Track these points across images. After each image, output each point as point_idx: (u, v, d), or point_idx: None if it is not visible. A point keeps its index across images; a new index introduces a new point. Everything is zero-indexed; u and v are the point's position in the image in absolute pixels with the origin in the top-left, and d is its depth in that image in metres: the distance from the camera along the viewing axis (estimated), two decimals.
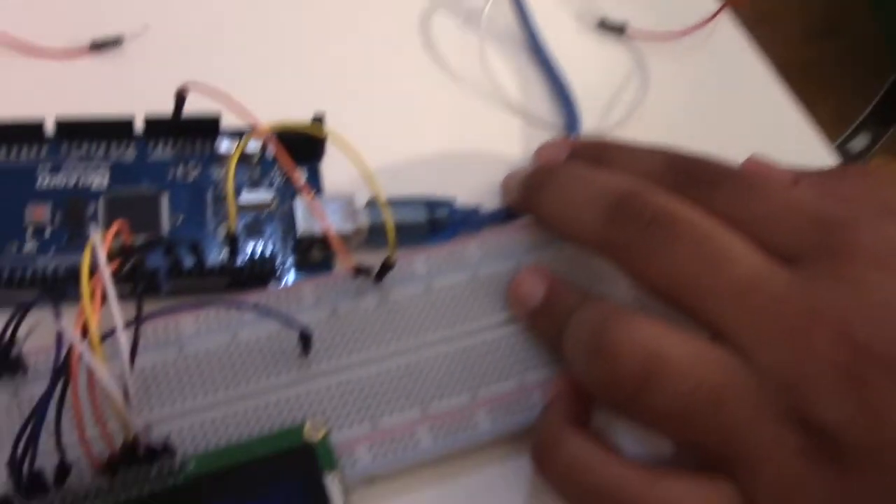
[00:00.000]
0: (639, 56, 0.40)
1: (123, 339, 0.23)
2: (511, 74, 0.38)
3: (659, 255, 0.26)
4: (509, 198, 0.33)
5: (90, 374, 0.23)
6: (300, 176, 0.28)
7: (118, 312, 0.23)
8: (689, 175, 0.28)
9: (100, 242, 0.23)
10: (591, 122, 0.37)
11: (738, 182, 0.27)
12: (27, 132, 0.31)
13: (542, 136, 0.36)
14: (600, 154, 0.31)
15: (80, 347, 0.22)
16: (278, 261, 0.31)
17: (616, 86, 0.39)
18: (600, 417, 0.29)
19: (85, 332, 0.23)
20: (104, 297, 0.23)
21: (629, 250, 0.27)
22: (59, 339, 0.23)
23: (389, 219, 0.28)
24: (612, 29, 0.40)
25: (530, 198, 0.31)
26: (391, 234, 0.28)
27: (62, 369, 0.23)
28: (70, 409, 0.24)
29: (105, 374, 0.22)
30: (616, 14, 0.41)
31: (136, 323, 0.24)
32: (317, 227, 0.30)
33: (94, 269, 0.23)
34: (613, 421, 0.30)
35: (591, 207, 0.28)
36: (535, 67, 0.38)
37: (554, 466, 0.27)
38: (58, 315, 0.23)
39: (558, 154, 0.33)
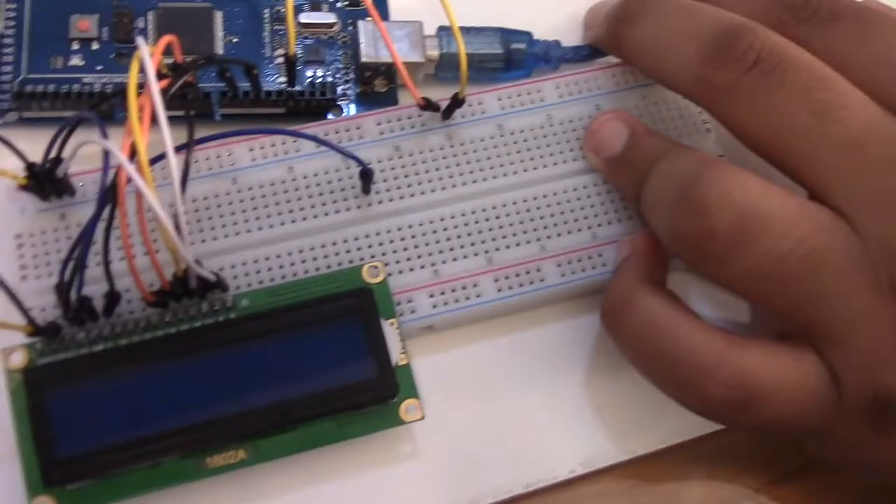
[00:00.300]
0: None
1: (174, 162, 0.21)
2: None
3: (762, 102, 0.24)
4: (592, 33, 0.30)
5: (139, 199, 0.22)
6: None
7: (168, 133, 0.21)
8: (801, 8, 0.25)
9: (148, 56, 0.21)
10: None
11: (858, 18, 0.24)
12: None
13: None
14: None
15: (128, 168, 0.20)
16: (339, 90, 0.28)
17: None
18: (674, 280, 0.27)
19: (132, 153, 0.21)
20: (153, 118, 0.21)
21: (728, 94, 0.24)
22: (106, 158, 0.21)
23: (462, 48, 0.25)
24: None
25: (618, 32, 0.27)
26: (464, 66, 0.26)
27: (109, 191, 0.21)
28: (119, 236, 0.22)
29: (153, 197, 0.20)
30: None
31: (188, 147, 0.22)
32: (382, 55, 0.28)
33: (141, 87, 0.21)
34: (688, 285, 0.28)
35: (688, 44, 0.25)
36: None
37: (626, 325, 0.25)
38: (104, 134, 0.21)
39: None
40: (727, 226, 0.23)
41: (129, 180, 0.20)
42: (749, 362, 0.23)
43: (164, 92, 0.22)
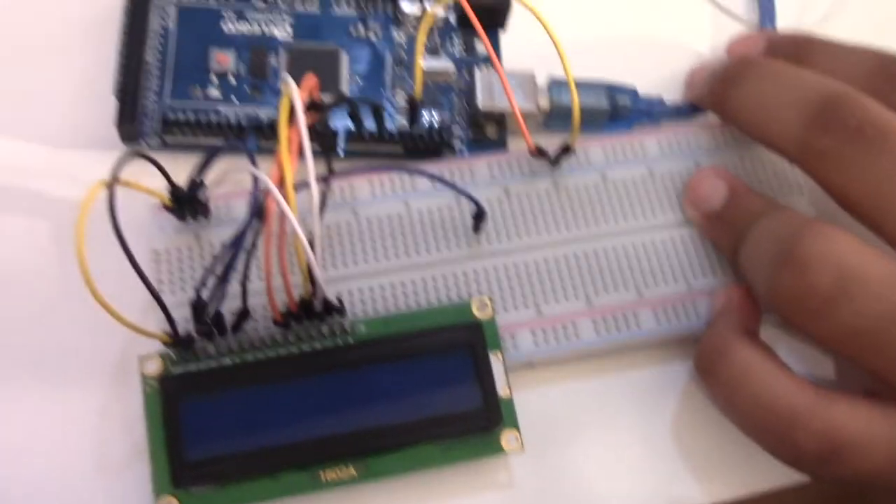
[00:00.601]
0: None
1: (315, 190, 0.23)
2: None
3: (863, 168, 0.25)
4: (695, 91, 0.31)
5: (280, 224, 0.23)
6: (488, 43, 0.26)
7: (311, 163, 0.23)
8: None
9: (296, 93, 0.23)
10: (788, 18, 0.35)
11: None
12: None
13: (733, 29, 0.34)
14: (802, 51, 0.29)
15: (275, 194, 0.22)
16: (454, 133, 0.30)
17: None
18: (762, 334, 0.28)
19: (279, 181, 0.23)
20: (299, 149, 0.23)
21: (829, 160, 0.25)
22: (255, 184, 0.23)
23: (577, 100, 0.27)
24: None
25: (721, 92, 0.29)
26: (576, 117, 0.27)
27: (256, 214, 0.23)
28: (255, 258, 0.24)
29: (296, 221, 0.22)
30: None
31: (327, 179, 0.24)
32: (497, 103, 0.29)
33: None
34: (776, 339, 0.29)
35: (791, 108, 0.26)
36: None
37: (720, 375, 0.26)
38: (254, 162, 0.23)
39: (754, 48, 0.31)
40: (827, 284, 0.24)
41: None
42: (839, 415, 0.24)
43: (308, 127, 0.23)
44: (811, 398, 0.25)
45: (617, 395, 0.28)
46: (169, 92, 0.29)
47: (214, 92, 0.29)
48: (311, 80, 0.25)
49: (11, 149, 0.29)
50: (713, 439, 0.28)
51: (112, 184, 0.23)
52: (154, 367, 0.25)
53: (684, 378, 0.29)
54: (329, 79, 0.30)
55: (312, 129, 0.25)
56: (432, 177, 0.26)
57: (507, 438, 0.26)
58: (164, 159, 0.25)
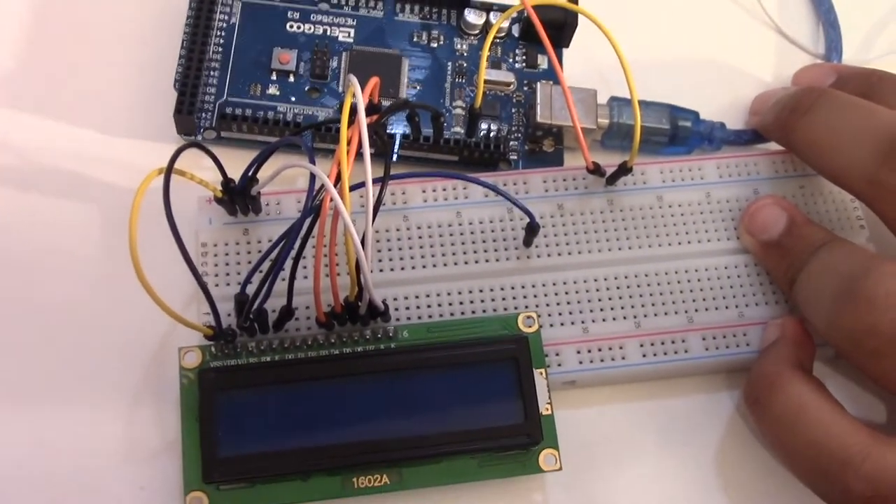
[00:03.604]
0: None
1: (371, 190, 0.22)
2: None
3: None
4: (758, 119, 0.30)
5: (333, 222, 0.23)
6: (555, 57, 0.26)
7: (369, 163, 0.22)
8: None
9: (360, 93, 0.23)
10: (851, 52, 0.34)
11: None
12: None
13: (798, 59, 0.33)
14: (872, 87, 0.28)
15: (332, 192, 0.22)
16: (510, 145, 0.30)
17: (883, 14, 0.35)
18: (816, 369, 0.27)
19: (335, 179, 0.22)
20: (358, 149, 0.23)
21: None
22: (312, 182, 0.23)
23: (639, 120, 0.27)
24: None
25: (788, 121, 0.28)
26: (637, 137, 0.27)
27: (312, 211, 0.23)
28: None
29: (350, 220, 0.22)
30: None
31: (384, 181, 0.23)
32: (556, 117, 0.29)
33: (327, 123, 0.23)
34: (827, 377, 0.28)
35: (862, 142, 0.25)
36: None
37: (771, 409, 0.25)
38: (312, 160, 0.23)
39: (822, 79, 0.30)
40: (891, 323, 0.23)
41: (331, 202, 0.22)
42: (893, 459, 0.23)
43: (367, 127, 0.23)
44: (865, 440, 0.24)
45: (660, 421, 0.28)
46: (228, 87, 0.29)
47: (273, 90, 0.29)
48: (374, 82, 0.25)
49: (71, 134, 0.29)
50: (757, 474, 0.27)
51: (168, 171, 0.23)
52: (193, 359, 0.25)
53: (730, 409, 0.28)
54: (389, 83, 0.29)
55: (370, 131, 0.25)
56: (488, 186, 0.26)
57: (545, 457, 0.25)
58: (218, 153, 0.25)
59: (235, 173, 0.26)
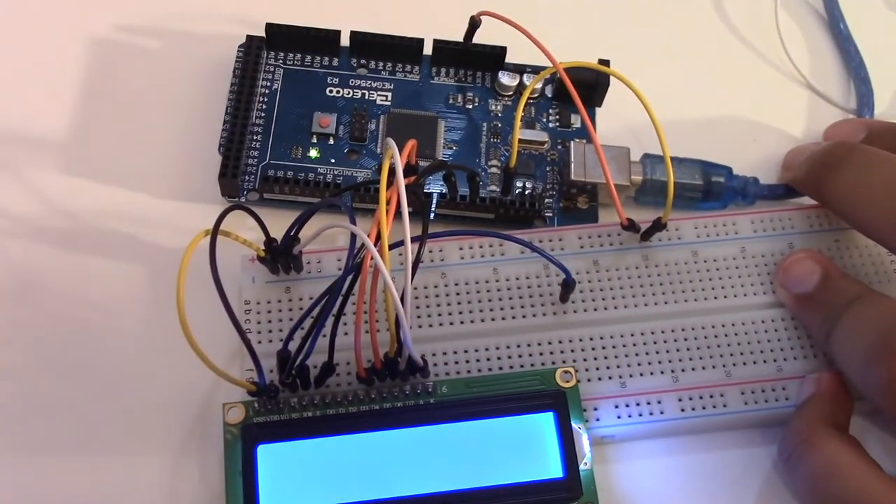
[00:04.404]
0: None
1: (410, 248, 0.23)
2: (803, 44, 0.35)
3: None
4: (791, 174, 0.31)
5: (373, 280, 0.24)
6: (587, 117, 0.27)
7: (408, 224, 0.23)
8: None
9: (398, 155, 0.24)
10: (883, 107, 0.34)
11: None
12: (324, 41, 0.31)
13: (829, 115, 0.34)
14: None
15: (373, 251, 0.22)
16: (545, 203, 0.30)
17: None
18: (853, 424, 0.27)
19: (374, 238, 0.23)
20: (398, 209, 0.23)
21: None
22: (353, 241, 0.23)
23: (672, 177, 0.27)
24: None
25: (820, 176, 0.28)
26: (671, 192, 0.27)
27: (353, 269, 0.23)
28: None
29: (389, 276, 0.22)
30: None
31: (422, 239, 0.24)
32: (591, 175, 0.29)
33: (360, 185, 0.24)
34: (865, 431, 0.28)
35: (894, 195, 0.26)
36: (830, 41, 0.36)
37: (805, 466, 0.25)
38: (353, 220, 0.23)
39: (853, 134, 0.30)
40: None
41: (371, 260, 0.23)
42: None
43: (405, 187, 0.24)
44: None
45: (698, 476, 0.27)
46: (270, 150, 0.30)
47: (314, 152, 0.30)
48: (411, 144, 0.26)
49: (117, 195, 0.30)
50: None
51: (214, 232, 0.24)
52: (237, 415, 0.25)
53: (767, 464, 0.28)
54: (426, 144, 0.30)
55: (408, 192, 0.26)
56: (524, 243, 0.26)
57: None
58: (261, 214, 0.26)
59: (278, 234, 0.26)
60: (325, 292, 0.24)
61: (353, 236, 0.23)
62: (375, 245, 0.23)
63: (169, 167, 0.31)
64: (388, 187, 0.24)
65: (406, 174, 0.25)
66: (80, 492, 0.26)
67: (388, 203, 0.23)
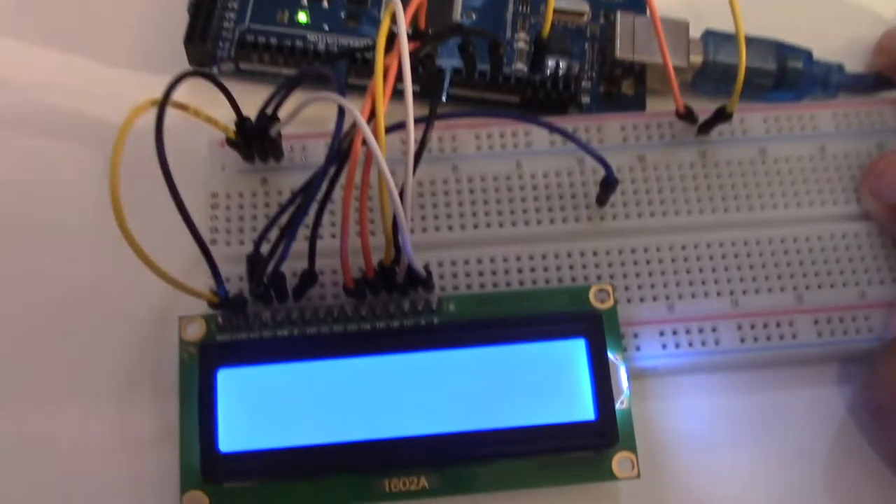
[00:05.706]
0: None
1: (412, 132, 0.18)
2: None
3: None
4: (884, 60, 0.26)
5: (365, 169, 0.19)
6: None
7: (411, 101, 0.18)
8: None
9: (401, 12, 0.19)
10: None
11: None
12: None
13: None
14: None
15: (365, 130, 0.18)
16: (582, 86, 0.25)
17: None
18: None
19: (370, 116, 0.18)
20: (397, 80, 0.18)
21: None
22: (340, 119, 0.19)
23: (744, 58, 0.22)
24: None
25: None
26: (741, 75, 0.22)
27: (339, 155, 0.18)
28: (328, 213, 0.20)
29: (385, 163, 0.18)
30: None
31: (428, 121, 0.19)
32: (639, 53, 0.25)
33: (363, 49, 0.18)
34: None
35: None
36: None
37: None
38: (343, 92, 0.18)
39: None
40: None
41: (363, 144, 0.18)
42: None
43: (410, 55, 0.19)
44: None
45: (759, 420, 0.23)
46: (251, 12, 0.25)
47: (303, 16, 0.25)
48: (418, 1, 0.20)
49: (60, 63, 0.26)
50: (870, 492, 0.23)
51: (163, 103, 0.19)
52: (196, 331, 0.21)
53: (842, 409, 0.24)
54: (440, 11, 0.25)
55: (413, 62, 0.21)
56: (557, 130, 0.22)
57: (620, 462, 0.21)
58: (237, 89, 0.22)
59: (254, 112, 0.22)
60: (306, 184, 0.20)
61: (342, 111, 0.19)
62: (369, 123, 0.18)
63: (125, 28, 0.26)
64: (386, 54, 0.19)
65: (412, 40, 0.20)
66: (23, 427, 0.22)
67: (385, 73, 0.18)
